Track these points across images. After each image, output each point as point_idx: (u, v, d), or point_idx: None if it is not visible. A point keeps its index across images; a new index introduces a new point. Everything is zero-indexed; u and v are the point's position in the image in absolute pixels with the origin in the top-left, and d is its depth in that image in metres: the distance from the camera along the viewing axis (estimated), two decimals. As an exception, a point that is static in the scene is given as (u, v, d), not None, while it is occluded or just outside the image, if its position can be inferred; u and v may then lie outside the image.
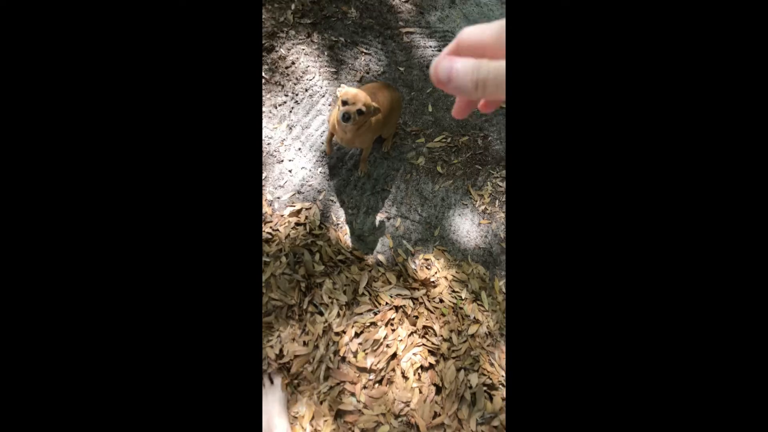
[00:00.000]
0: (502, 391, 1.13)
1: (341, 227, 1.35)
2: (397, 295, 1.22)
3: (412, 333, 1.17)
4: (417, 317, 1.20)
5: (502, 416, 1.10)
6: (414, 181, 1.50)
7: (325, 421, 1.01)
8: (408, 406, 1.06)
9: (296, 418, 1.01)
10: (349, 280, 1.21)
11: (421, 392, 1.09)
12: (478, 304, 1.27)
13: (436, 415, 1.07)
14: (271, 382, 1.02)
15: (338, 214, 1.38)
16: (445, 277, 1.30)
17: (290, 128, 1.48)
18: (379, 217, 1.41)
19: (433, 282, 1.27)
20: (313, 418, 1.02)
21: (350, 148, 1.46)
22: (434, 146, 1.57)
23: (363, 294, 1.20)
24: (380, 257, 1.32)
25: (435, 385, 1.11)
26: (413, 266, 1.31)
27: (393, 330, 1.16)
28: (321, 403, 1.04)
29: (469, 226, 1.46)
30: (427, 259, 1.35)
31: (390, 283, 1.24)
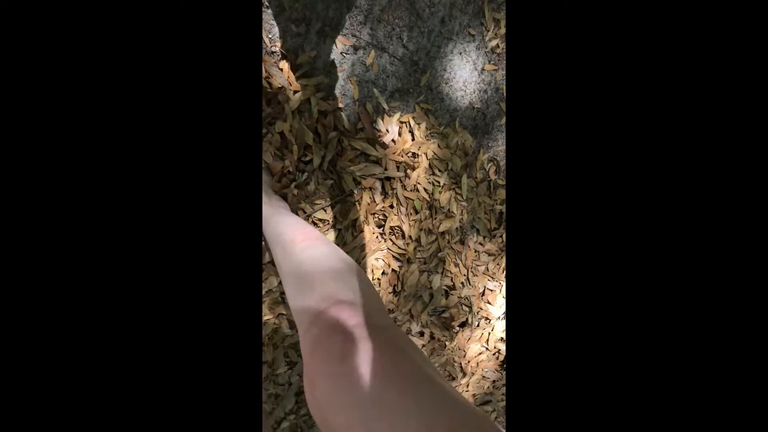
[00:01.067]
0: (460, 291, 1.06)
1: (276, 55, 0.81)
2: (368, 176, 0.89)
3: (377, 235, 0.93)
4: (386, 216, 0.93)
5: (454, 310, 1.08)
6: (406, -21, 0.88)
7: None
8: (362, 310, 0.95)
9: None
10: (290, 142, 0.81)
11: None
12: (456, 192, 1.02)
13: (389, 311, 1.00)
14: None
15: (272, 32, 0.80)
16: (425, 154, 0.97)
17: None
18: (341, 44, 0.86)
19: (413, 162, 0.94)
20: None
21: None
22: None
23: (328, 171, 0.84)
24: (341, 114, 0.88)
25: (393, 287, 0.98)
26: (386, 131, 0.92)
27: (353, 233, 0.91)
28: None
29: (469, 74, 1.01)
30: (404, 122, 0.95)
31: (356, 159, 0.88)
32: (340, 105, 0.88)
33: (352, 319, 0.39)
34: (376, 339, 0.37)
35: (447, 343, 1.11)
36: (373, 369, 0.32)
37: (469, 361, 1.16)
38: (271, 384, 0.93)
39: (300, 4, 0.81)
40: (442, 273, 1.02)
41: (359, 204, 0.91)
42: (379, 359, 0.33)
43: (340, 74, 0.88)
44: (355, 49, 0.88)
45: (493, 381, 1.22)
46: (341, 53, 0.87)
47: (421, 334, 1.07)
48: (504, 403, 1.28)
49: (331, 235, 0.89)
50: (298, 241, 0.56)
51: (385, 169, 0.92)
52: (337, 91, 0.88)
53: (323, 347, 0.36)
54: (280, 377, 0.93)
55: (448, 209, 1.01)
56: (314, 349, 0.36)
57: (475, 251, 1.08)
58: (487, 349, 1.17)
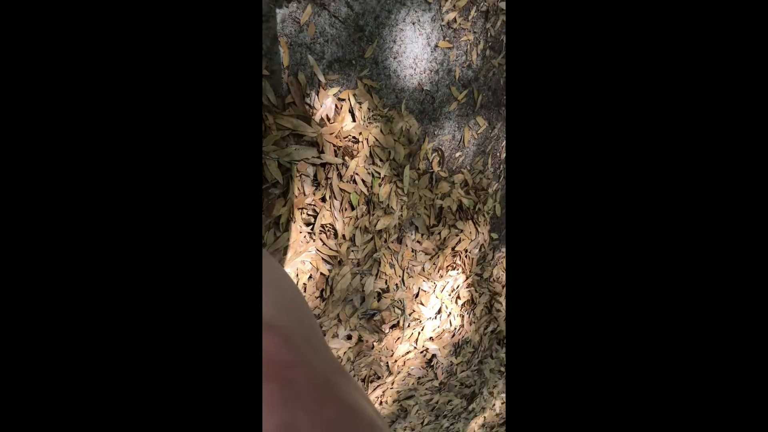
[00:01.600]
0: (393, 293, 0.98)
1: None
2: (300, 161, 0.73)
3: (305, 234, 0.79)
4: (317, 211, 0.79)
5: (385, 313, 1.00)
6: None
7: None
8: (283, 319, 0.82)
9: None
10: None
11: (302, 302, 0.84)
12: (397, 185, 0.92)
13: (316, 317, 0.88)
14: None
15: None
16: (367, 140, 0.84)
17: None
18: (272, -8, 0.67)
19: (352, 149, 0.81)
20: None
21: None
22: None
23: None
24: (265, 84, 0.70)
25: (321, 291, 0.86)
26: (320, 107, 0.77)
27: (276, 233, 0.75)
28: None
29: (421, 49, 0.89)
30: (343, 100, 0.80)
31: (284, 141, 0.71)
32: (265, 72, 0.69)
33: (288, 354, 0.28)
34: (320, 394, 0.26)
35: (375, 344, 1.04)
36: None
37: (396, 360, 1.11)
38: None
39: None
40: (376, 275, 0.93)
41: (285, 196, 0.75)
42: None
43: (265, 32, 0.68)
44: (288, 1, 0.69)
45: (419, 378, 1.19)
46: (269, 3, 0.67)
47: (349, 337, 0.98)
48: (426, 397, 1.27)
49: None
50: None
51: (321, 152, 0.77)
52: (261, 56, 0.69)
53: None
54: None
55: (388, 204, 0.90)
56: None
57: (413, 250, 1.00)
58: (415, 347, 1.13)
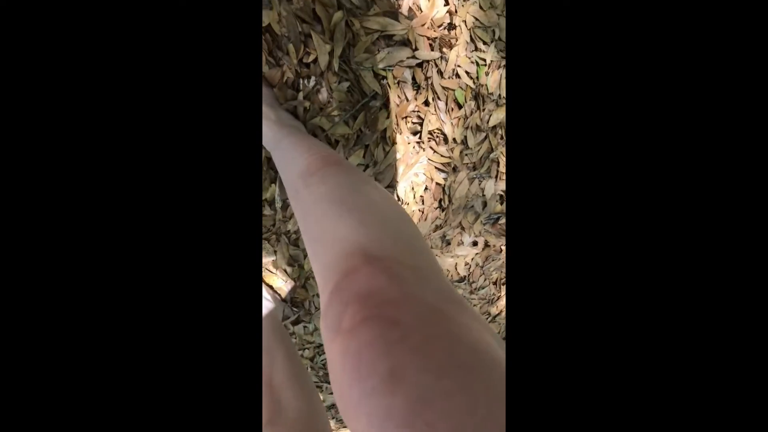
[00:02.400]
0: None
1: None
2: (394, 65, 0.69)
3: (414, 144, 0.76)
4: (422, 117, 0.74)
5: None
6: None
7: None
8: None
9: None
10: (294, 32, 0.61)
11: (422, 212, 0.84)
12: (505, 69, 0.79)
13: (437, 228, 0.88)
14: None
15: None
16: (464, 22, 0.72)
17: None
18: None
19: (448, 37, 0.71)
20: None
21: None
22: None
23: (341, 71, 0.65)
24: (343, -14, 0.64)
25: (439, 201, 0.84)
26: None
27: (385, 148, 0.73)
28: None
29: None
30: (431, -20, 0.69)
31: (374, 46, 0.66)
32: (341, -31, 0.62)
33: (392, 289, 0.25)
34: (430, 331, 0.23)
35: (503, 248, 1.01)
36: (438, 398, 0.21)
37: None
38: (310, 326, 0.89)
39: None
40: (496, 177, 0.86)
41: (387, 107, 0.72)
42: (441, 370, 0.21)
43: None
44: None
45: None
46: None
47: (475, 243, 0.96)
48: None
49: (358, 155, 0.73)
50: (312, 170, 0.41)
51: (415, 49, 0.70)
52: (333, -53, 0.62)
53: (358, 365, 0.22)
54: (315, 316, 0.89)
55: (499, 95, 0.79)
56: (344, 361, 0.23)
57: (535, 143, 0.88)
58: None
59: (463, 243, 0.95)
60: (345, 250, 0.28)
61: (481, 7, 0.73)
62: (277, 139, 0.55)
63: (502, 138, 0.84)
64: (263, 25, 0.57)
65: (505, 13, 0.76)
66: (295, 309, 0.86)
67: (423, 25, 0.70)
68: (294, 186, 0.42)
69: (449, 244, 0.94)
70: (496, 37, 0.76)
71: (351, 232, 0.29)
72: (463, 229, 0.92)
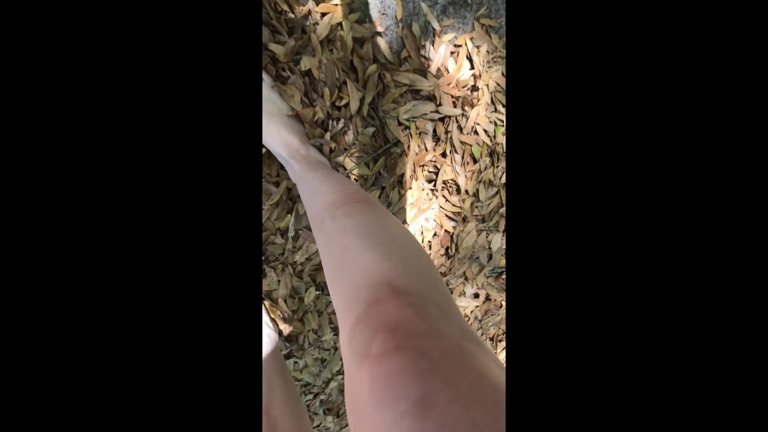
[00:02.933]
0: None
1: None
2: (418, 117, 0.73)
3: (428, 191, 0.79)
4: (438, 167, 0.78)
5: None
6: None
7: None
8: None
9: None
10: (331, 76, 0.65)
11: (428, 258, 0.85)
12: (523, 133, 0.83)
13: (441, 275, 0.89)
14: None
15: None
16: (487, 86, 0.78)
17: None
18: (382, -59, 0.65)
19: (471, 97, 0.76)
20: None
21: None
22: None
23: (368, 117, 0.69)
24: (380, 41, 0.70)
25: (446, 249, 0.86)
26: (435, 58, 0.73)
27: (400, 191, 0.77)
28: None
29: (546, -28, 0.76)
30: (459, 46, 0.75)
31: (401, 98, 0.71)
32: (379, 29, 0.69)
33: (420, 323, 0.26)
34: (458, 365, 0.24)
35: (503, 303, 1.01)
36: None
37: (527, 321, 1.06)
38: (316, 350, 0.88)
39: None
40: (503, 232, 0.88)
41: (407, 154, 0.76)
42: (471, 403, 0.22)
43: (378, -15, 0.67)
44: (397, -54, 0.66)
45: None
46: (379, -46, 0.66)
47: (476, 296, 0.96)
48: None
49: (374, 195, 0.76)
50: (339, 204, 0.43)
51: (439, 105, 0.75)
52: (375, 10, 0.68)
53: (389, 389, 0.23)
54: (326, 342, 0.87)
55: (513, 155, 0.83)
56: (373, 384, 0.23)
57: (543, 204, 0.91)
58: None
59: (465, 294, 0.95)
60: (371, 281, 0.29)
61: (503, 74, 0.79)
62: (305, 171, 0.58)
63: (512, 195, 0.87)
64: (304, 69, 0.62)
65: (524, 82, 0.82)
66: (287, 343, 0.85)
67: (449, 84, 0.75)
68: (320, 216, 0.44)
69: (451, 293, 0.94)
70: (515, 102, 0.82)
71: (376, 265, 0.31)
72: (466, 279, 0.93)
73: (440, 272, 0.89)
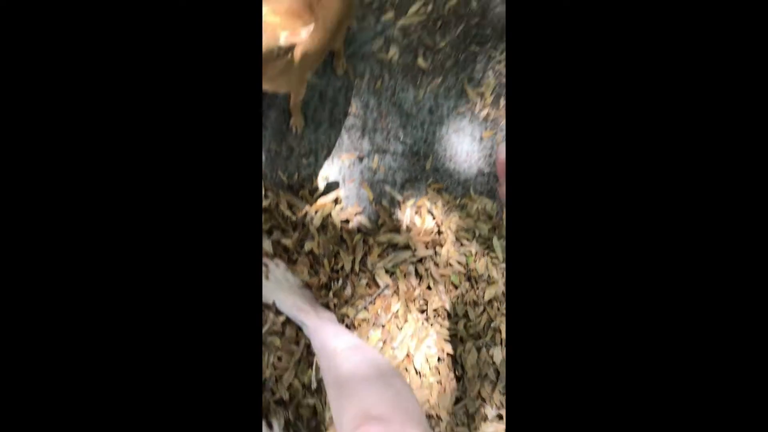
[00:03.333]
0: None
1: (295, 186, 0.93)
2: (400, 263, 0.93)
3: (422, 322, 0.94)
4: (426, 299, 0.95)
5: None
6: (388, 89, 1.00)
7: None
8: (428, 403, 0.92)
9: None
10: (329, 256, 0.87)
11: (440, 384, 0.93)
12: (491, 256, 1.01)
13: (458, 400, 0.95)
14: (270, 427, 0.81)
15: (288, 168, 0.93)
16: (450, 228, 1.00)
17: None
18: (348, 159, 0.97)
19: (440, 239, 0.97)
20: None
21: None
22: (410, 22, 1.01)
23: (360, 272, 0.89)
24: (360, 219, 0.96)
25: (455, 373, 0.95)
26: (404, 219, 0.98)
27: (398, 326, 0.92)
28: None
29: (469, 145, 1.07)
30: (420, 206, 1.01)
31: (384, 252, 0.93)
32: (358, 209, 0.96)
33: None
34: None
35: (534, 419, 1.01)
36: None
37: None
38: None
39: (305, 140, 0.95)
40: (501, 343, 0.98)
41: (397, 294, 0.94)
42: None
43: (351, 184, 0.98)
44: (360, 159, 0.99)
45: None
46: (349, 167, 0.98)
47: (500, 417, 0.99)
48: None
49: (377, 332, 0.91)
50: (339, 351, 0.60)
51: (415, 251, 0.96)
52: (353, 199, 0.97)
53: None
54: None
55: (488, 275, 1.00)
56: None
57: (531, 312, 1.03)
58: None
59: (487, 417, 0.98)
60: (355, 411, 0.42)
61: (460, 218, 1.03)
62: (316, 326, 0.76)
63: (498, 309, 1.00)
64: (307, 250, 0.87)
65: (480, 218, 1.05)
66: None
67: (419, 234, 0.98)
68: (325, 363, 0.60)
69: (473, 419, 0.98)
70: (477, 234, 1.03)
71: (360, 399, 0.45)
72: (483, 400, 0.97)
73: (456, 396, 0.95)
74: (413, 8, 1.02)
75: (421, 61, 1.03)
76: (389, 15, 1.00)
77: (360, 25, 0.98)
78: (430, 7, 1.03)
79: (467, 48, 1.07)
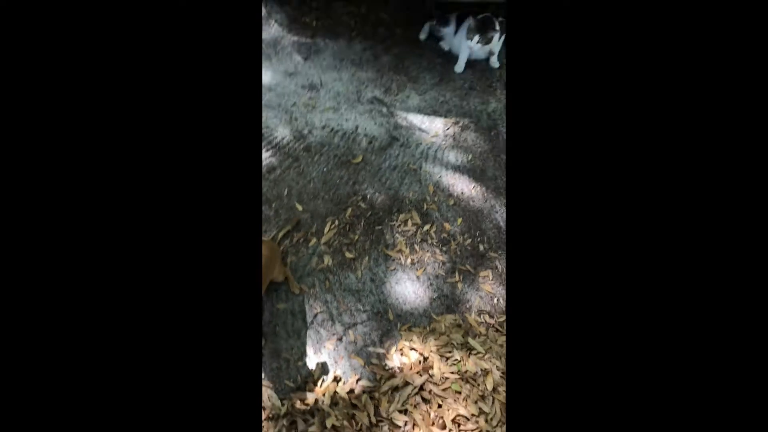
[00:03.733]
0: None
1: (300, 385, 1.14)
2: (405, 401, 1.07)
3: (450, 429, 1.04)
4: (442, 417, 1.07)
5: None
6: (335, 282, 1.36)
7: None
8: None
9: None
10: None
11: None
12: (474, 353, 1.20)
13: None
14: None
15: (291, 373, 1.16)
16: (431, 351, 1.20)
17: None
18: (330, 344, 1.24)
19: (425, 364, 1.16)
20: None
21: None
22: (329, 237, 1.47)
23: (377, 423, 1.02)
24: (361, 383, 1.15)
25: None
26: (394, 364, 1.17)
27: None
28: None
29: (412, 286, 1.39)
30: (401, 349, 1.23)
31: (390, 398, 1.09)
32: (357, 376, 1.17)
33: None
34: None
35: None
36: None
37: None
38: None
39: (294, 348, 1.22)
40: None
41: (417, 425, 1.06)
42: None
43: (342, 361, 1.21)
44: (340, 339, 1.26)
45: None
46: (334, 349, 1.23)
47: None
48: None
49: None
50: None
51: (414, 383, 1.13)
52: (349, 371, 1.19)
53: None
54: None
55: (481, 369, 1.17)
56: None
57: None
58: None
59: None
60: None
61: (435, 339, 1.25)
62: None
63: (502, 393, 1.13)
64: (329, 426, 1.03)
65: (450, 331, 1.27)
66: None
67: (410, 369, 1.18)
68: None
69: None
70: (454, 344, 1.24)
71: None
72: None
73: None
74: (327, 227, 1.49)
75: (347, 254, 1.44)
76: (314, 240, 1.46)
77: (297, 257, 1.41)
78: (336, 221, 1.51)
79: (371, 229, 1.52)
